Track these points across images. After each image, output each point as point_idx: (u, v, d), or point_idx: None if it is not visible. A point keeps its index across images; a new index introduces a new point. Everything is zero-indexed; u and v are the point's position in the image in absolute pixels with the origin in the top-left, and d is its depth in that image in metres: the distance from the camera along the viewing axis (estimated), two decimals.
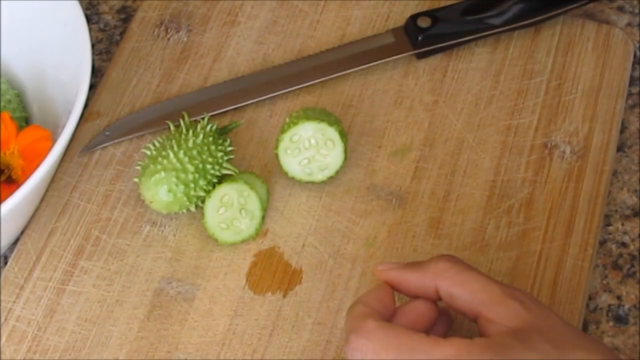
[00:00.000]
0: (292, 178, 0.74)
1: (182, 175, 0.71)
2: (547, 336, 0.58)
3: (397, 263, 0.65)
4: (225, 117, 0.78)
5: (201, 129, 0.73)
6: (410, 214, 0.74)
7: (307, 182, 0.74)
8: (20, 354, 0.69)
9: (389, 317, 0.62)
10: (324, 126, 0.73)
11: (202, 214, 0.72)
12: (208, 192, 0.72)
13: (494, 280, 0.61)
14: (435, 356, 0.57)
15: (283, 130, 0.73)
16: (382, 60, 0.79)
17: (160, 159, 0.72)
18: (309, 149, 0.73)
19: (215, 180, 0.73)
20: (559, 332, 0.59)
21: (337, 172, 0.74)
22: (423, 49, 0.79)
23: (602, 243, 0.74)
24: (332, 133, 0.73)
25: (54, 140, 0.67)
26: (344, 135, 0.73)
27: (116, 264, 0.72)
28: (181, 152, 0.71)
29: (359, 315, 0.61)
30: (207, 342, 0.69)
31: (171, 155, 0.71)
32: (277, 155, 0.74)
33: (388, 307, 0.63)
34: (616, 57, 0.80)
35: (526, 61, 0.80)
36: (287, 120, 0.74)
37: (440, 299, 0.63)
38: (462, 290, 0.61)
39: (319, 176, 0.74)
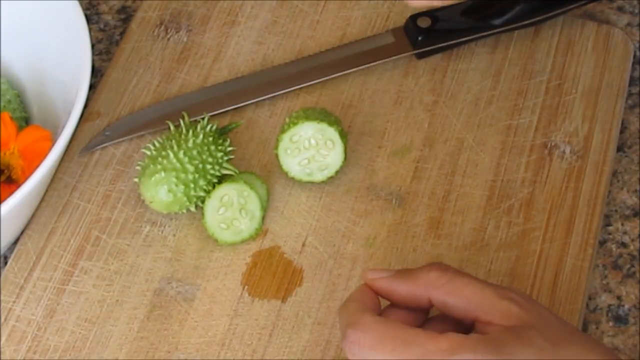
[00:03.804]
0: (292, 178, 0.74)
1: (182, 175, 0.71)
2: (544, 333, 0.58)
3: (387, 271, 0.64)
4: (225, 117, 0.78)
5: (201, 129, 0.73)
6: (410, 214, 0.74)
7: (307, 182, 0.74)
8: (20, 354, 0.69)
9: (379, 313, 0.63)
10: (324, 126, 0.73)
11: (202, 214, 0.72)
12: (208, 192, 0.72)
13: (486, 282, 0.61)
14: (430, 350, 0.57)
15: (283, 130, 0.73)
16: (382, 60, 0.79)
17: (160, 159, 0.72)
18: (309, 149, 0.73)
19: (215, 180, 0.73)
20: (555, 329, 0.59)
21: (337, 172, 0.74)
22: (423, 49, 0.79)
23: (602, 243, 0.74)
24: (332, 133, 0.73)
25: (54, 140, 0.67)
26: (344, 135, 0.73)
27: (116, 264, 0.72)
28: (181, 152, 0.71)
29: (355, 310, 0.61)
30: (207, 342, 0.69)
31: (171, 155, 0.71)
32: (277, 156, 0.74)
33: (378, 303, 0.63)
34: (616, 57, 0.80)
35: (526, 61, 0.80)
36: (287, 120, 0.74)
37: (432, 307, 0.62)
38: (455, 298, 0.61)
39: (319, 176, 0.74)
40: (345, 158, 0.74)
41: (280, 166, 0.74)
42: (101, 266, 0.72)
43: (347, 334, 0.60)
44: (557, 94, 0.79)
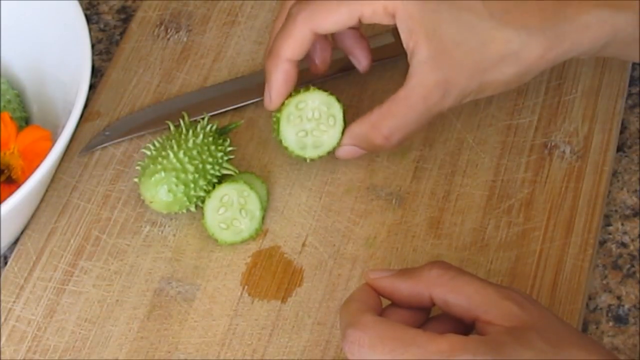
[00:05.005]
0: (286, 148, 0.73)
1: (182, 175, 0.71)
2: (544, 334, 0.58)
3: (389, 271, 0.64)
4: (225, 117, 0.78)
5: (201, 129, 0.73)
6: (410, 214, 0.74)
7: (296, 156, 0.73)
8: (20, 354, 0.69)
9: (380, 313, 0.63)
10: (332, 100, 0.72)
11: (202, 214, 0.72)
12: (208, 192, 0.72)
13: (488, 282, 0.61)
14: (430, 351, 0.57)
15: (291, 95, 0.73)
16: (382, 60, 0.79)
17: (160, 159, 0.72)
18: (311, 121, 0.72)
19: (215, 180, 0.73)
20: (555, 330, 0.59)
21: (328, 153, 0.73)
22: None
23: (602, 243, 0.74)
24: (337, 109, 0.72)
25: (54, 140, 0.67)
26: (346, 120, 0.73)
27: (116, 264, 0.72)
28: (181, 152, 0.71)
29: (356, 310, 0.61)
30: (207, 342, 0.69)
31: (171, 155, 0.71)
32: (277, 120, 0.73)
33: (380, 303, 0.63)
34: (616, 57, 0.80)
35: None
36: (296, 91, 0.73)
37: (433, 305, 0.63)
38: (457, 296, 0.61)
39: (311, 152, 0.73)
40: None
41: (277, 132, 0.73)
42: (101, 266, 0.72)
43: (347, 334, 0.60)
44: (557, 94, 0.79)
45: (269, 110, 0.73)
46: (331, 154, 0.74)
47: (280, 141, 0.73)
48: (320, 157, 0.74)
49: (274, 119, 0.73)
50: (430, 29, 0.68)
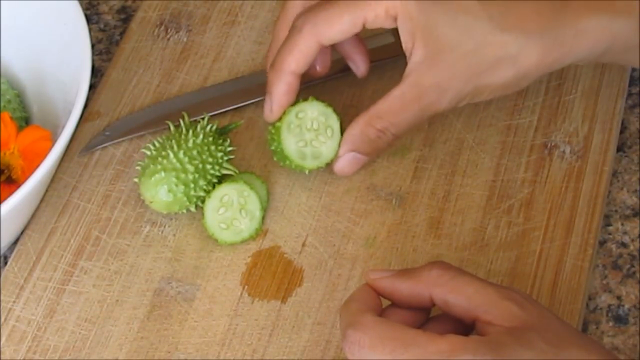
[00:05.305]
0: (285, 159, 0.73)
1: (182, 175, 0.71)
2: (544, 335, 0.58)
3: (389, 271, 0.64)
4: (225, 117, 0.78)
5: (201, 129, 0.73)
6: (410, 214, 0.74)
7: (295, 167, 0.73)
8: (20, 354, 0.69)
9: (380, 314, 0.63)
10: (329, 111, 0.73)
11: (202, 214, 0.72)
12: (208, 192, 0.72)
13: (488, 282, 0.61)
14: (430, 351, 0.57)
15: (291, 105, 0.73)
16: (382, 60, 0.79)
17: (160, 159, 0.72)
18: (310, 131, 0.73)
19: (215, 180, 0.73)
20: (555, 331, 0.59)
21: (327, 165, 0.73)
22: None
23: (602, 243, 0.74)
24: (334, 121, 0.73)
25: (54, 140, 0.67)
26: (342, 131, 0.73)
27: (116, 264, 0.72)
28: (181, 152, 0.71)
29: (356, 310, 0.61)
30: (207, 342, 0.69)
31: (171, 155, 0.71)
32: (277, 129, 0.73)
33: (380, 303, 0.63)
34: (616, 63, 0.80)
35: None
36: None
37: (434, 305, 0.63)
38: (457, 296, 0.61)
39: (310, 163, 0.73)
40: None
41: (277, 142, 0.72)
42: (101, 266, 0.72)
43: (347, 334, 0.60)
44: (557, 94, 0.79)
45: (269, 122, 0.73)
46: (329, 165, 0.74)
47: (280, 151, 0.73)
48: (319, 169, 0.74)
49: (273, 130, 0.73)
50: (428, 30, 0.69)
